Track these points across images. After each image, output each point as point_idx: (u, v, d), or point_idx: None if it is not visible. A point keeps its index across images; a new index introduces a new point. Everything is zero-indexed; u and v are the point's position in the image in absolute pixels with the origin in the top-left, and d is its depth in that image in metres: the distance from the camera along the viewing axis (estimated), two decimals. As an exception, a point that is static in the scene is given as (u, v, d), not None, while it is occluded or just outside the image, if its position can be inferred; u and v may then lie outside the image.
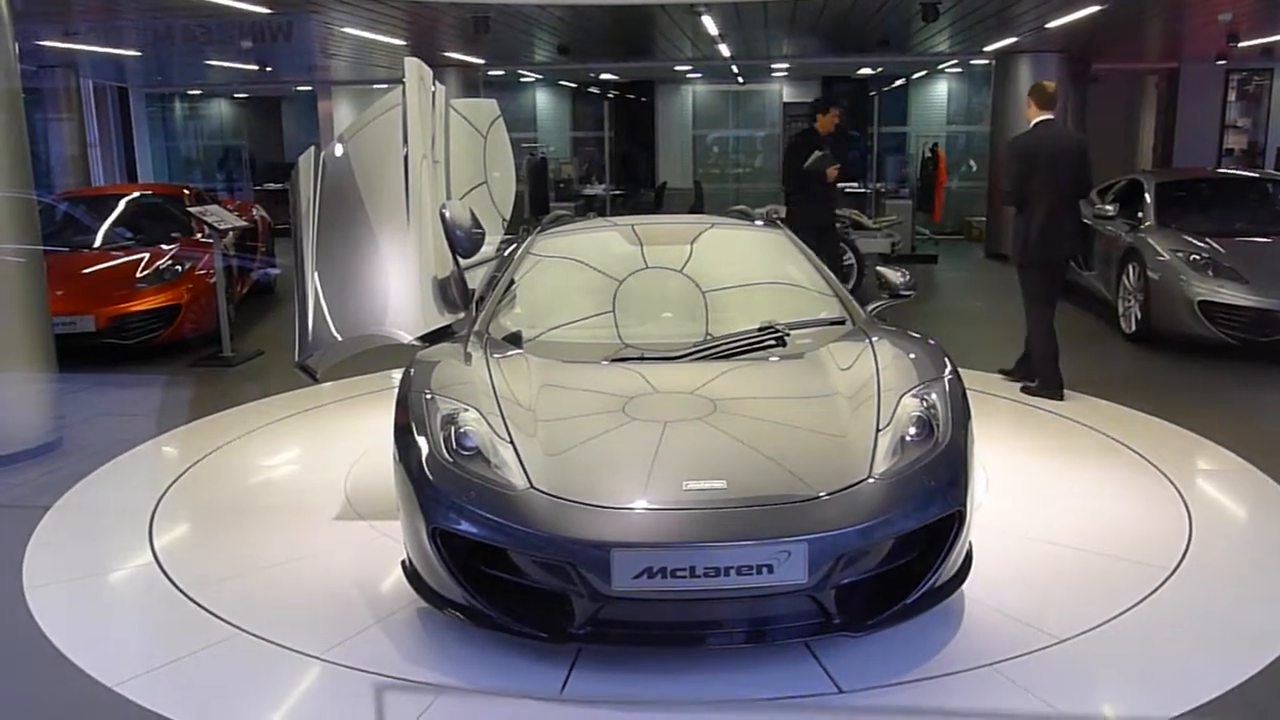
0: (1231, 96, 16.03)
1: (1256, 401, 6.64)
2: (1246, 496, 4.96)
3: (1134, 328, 8.13)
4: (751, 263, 5.27)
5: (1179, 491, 4.86)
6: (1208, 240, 7.90)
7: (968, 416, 3.75)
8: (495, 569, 3.39)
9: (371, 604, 3.82)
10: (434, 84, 5.31)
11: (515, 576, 3.37)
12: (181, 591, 3.98)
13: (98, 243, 9.00)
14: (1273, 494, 4.90)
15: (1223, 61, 14.93)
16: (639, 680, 3.30)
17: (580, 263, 5.17)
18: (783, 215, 7.85)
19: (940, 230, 15.24)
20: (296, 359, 4.60)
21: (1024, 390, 6.60)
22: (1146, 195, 8.70)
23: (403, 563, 3.67)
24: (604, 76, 18.89)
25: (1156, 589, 3.89)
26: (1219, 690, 3.23)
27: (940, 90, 18.56)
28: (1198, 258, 7.70)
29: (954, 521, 3.44)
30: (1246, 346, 7.37)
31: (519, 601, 3.36)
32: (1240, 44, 12.18)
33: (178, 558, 4.30)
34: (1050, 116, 6.50)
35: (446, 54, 13.26)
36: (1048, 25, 10.34)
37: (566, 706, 3.19)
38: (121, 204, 9.67)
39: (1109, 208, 8.81)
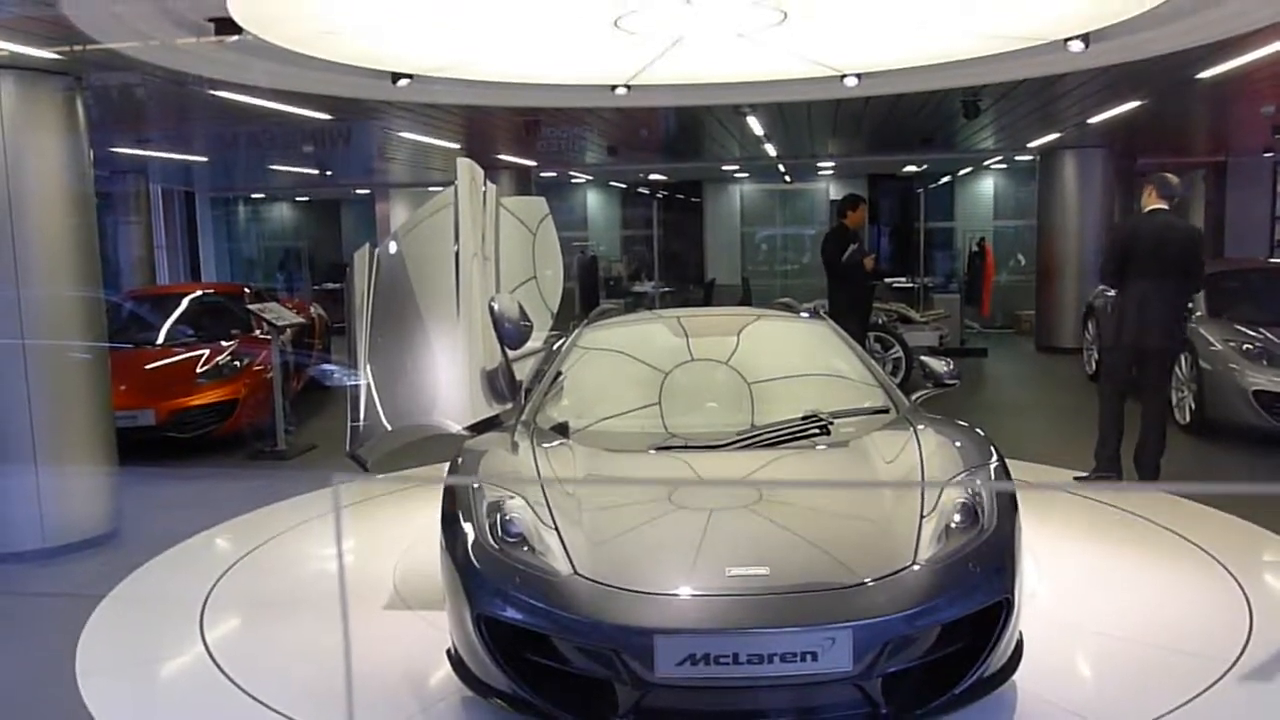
0: (1280, 188, 15.98)
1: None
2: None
3: (1189, 418, 8.01)
4: (796, 354, 5.31)
5: (1238, 583, 4.75)
6: (1261, 330, 7.82)
7: (1014, 504, 3.73)
8: (540, 656, 3.40)
9: (418, 693, 3.83)
10: (485, 183, 5.49)
11: (559, 664, 3.37)
12: (232, 681, 4.02)
13: (160, 339, 9.28)
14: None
15: (1269, 154, 14.91)
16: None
17: (627, 355, 5.26)
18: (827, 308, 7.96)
19: (989, 324, 15.20)
20: (348, 449, 4.69)
21: (1076, 479, 6.51)
22: (1196, 286, 8.65)
23: (448, 651, 3.69)
24: (653, 176, 19.28)
25: (1215, 682, 3.78)
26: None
27: (987, 186, 18.69)
28: (1250, 347, 7.62)
29: (1002, 609, 3.40)
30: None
31: (563, 689, 3.36)
32: (1286, 137, 12.19)
33: (229, 647, 4.35)
34: (1164, 206, 6.43)
35: (499, 156, 13.66)
36: (1090, 121, 10.44)
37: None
38: (184, 302, 9.98)
39: (1190, 304, 8.78)
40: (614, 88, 7.02)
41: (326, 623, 4.56)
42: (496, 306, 5.09)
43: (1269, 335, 7.72)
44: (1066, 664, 3.96)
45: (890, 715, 3.24)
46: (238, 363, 8.66)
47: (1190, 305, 8.47)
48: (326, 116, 9.11)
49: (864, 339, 9.05)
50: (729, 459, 4.21)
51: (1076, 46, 5.66)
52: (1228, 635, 4.19)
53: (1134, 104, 9.29)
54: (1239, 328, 7.92)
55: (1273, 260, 12.71)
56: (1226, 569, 4.94)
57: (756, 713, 3.30)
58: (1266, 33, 6.05)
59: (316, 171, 15.64)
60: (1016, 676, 3.55)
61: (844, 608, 3.21)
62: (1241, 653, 4.04)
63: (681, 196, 20.60)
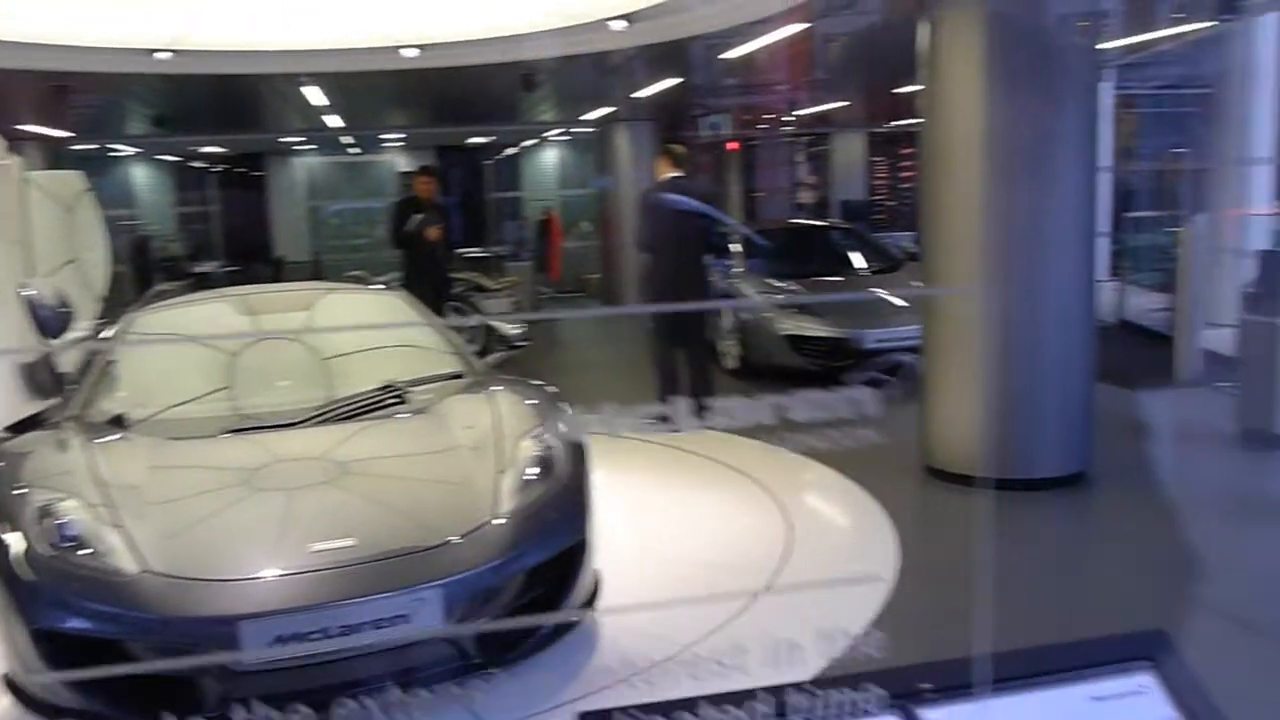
0: (801, 158, 18.12)
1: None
2: (832, 500, 5.62)
3: (734, 364, 8.95)
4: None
5: (779, 504, 5.42)
6: (790, 282, 8.88)
7: (584, 453, 4.00)
8: (113, 663, 3.17)
9: (-36, 728, 3.43)
10: (5, 155, 4.92)
11: (136, 669, 3.17)
12: None
13: None
14: (847, 491, 5.60)
15: (789, 127, 16.86)
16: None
17: (188, 338, 4.96)
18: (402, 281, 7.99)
19: (561, 289, 15.91)
20: None
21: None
22: (736, 245, 9.63)
23: (4, 676, 3.34)
24: (208, 150, 18.08)
25: (766, 588, 4.34)
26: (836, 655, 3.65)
27: (551, 157, 19.45)
28: (782, 298, 8.64)
29: (579, 551, 3.66)
30: (827, 372, 8.33)
31: (144, 695, 3.16)
32: (800, 113, 13.85)
33: None
34: (679, 174, 7.15)
35: (22, 126, 12.17)
36: (637, 96, 11.23)
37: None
38: None
39: (711, 259, 9.67)
40: (153, 52, 6.52)
41: None
42: (29, 293, 4.60)
43: (796, 287, 8.79)
44: (639, 591, 4.33)
45: (484, 663, 3.39)
46: None
47: (730, 263, 9.44)
48: None
49: (442, 310, 9.14)
50: (306, 436, 4.13)
51: (619, 25, 6.09)
52: (772, 549, 4.80)
53: (673, 80, 10.11)
54: (770, 281, 8.94)
55: (795, 221, 14.37)
56: (770, 492, 5.62)
57: (355, 682, 3.31)
58: (780, 18, 6.85)
59: None
60: (597, 608, 3.84)
61: (431, 568, 3.30)
62: (784, 562, 4.64)
63: (242, 170, 19.50)
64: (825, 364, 8.30)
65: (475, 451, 3.89)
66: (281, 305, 5.26)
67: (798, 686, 1.10)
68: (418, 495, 3.73)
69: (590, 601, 3.80)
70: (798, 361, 8.34)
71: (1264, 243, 9.29)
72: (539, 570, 3.56)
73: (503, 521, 3.52)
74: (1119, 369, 7.66)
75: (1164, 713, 1.13)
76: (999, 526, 5.25)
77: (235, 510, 3.60)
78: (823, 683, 1.13)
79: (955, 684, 1.11)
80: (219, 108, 12.29)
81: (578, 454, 3.94)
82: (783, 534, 4.98)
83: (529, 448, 3.87)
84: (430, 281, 8.72)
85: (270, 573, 3.24)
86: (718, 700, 1.06)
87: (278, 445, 4.05)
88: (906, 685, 1.10)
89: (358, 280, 6.01)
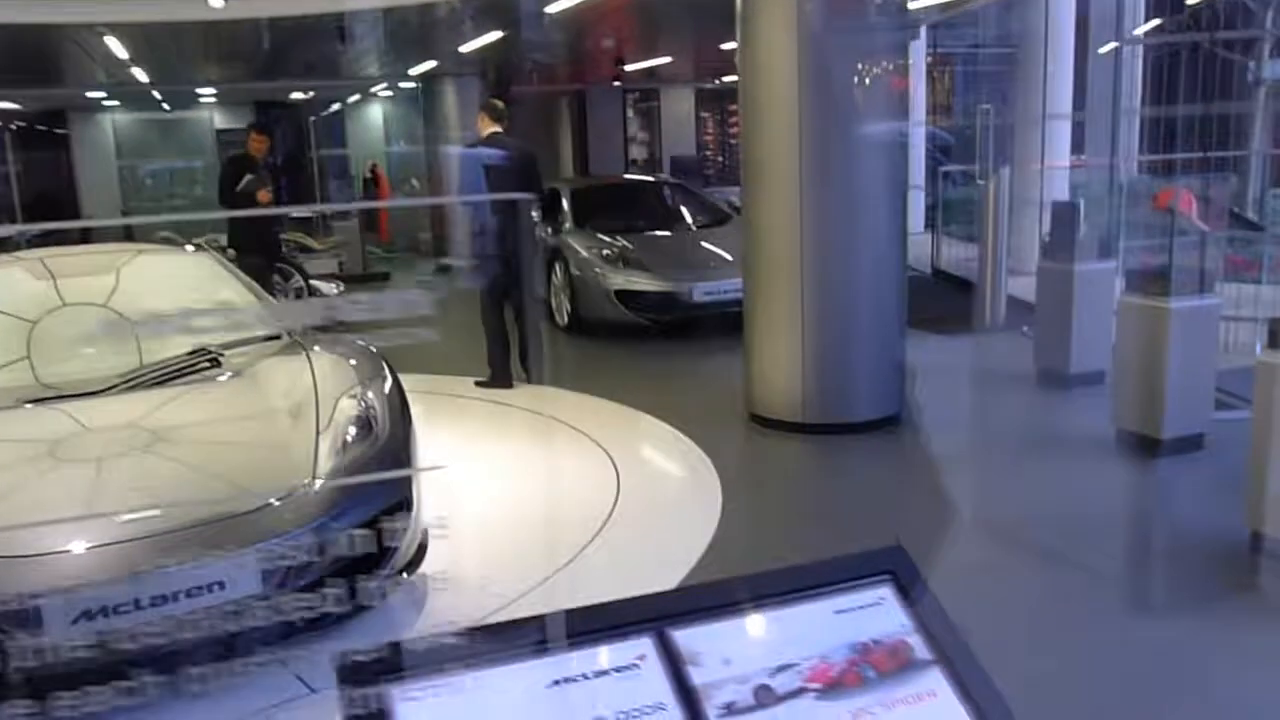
0: (631, 113, 18.20)
1: (666, 370, 7.69)
2: (660, 450, 5.76)
3: (566, 320, 8.99)
4: (183, 288, 5.10)
5: (609, 454, 5.52)
6: (618, 237, 8.96)
7: (406, 412, 3.98)
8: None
9: None
10: None
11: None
12: None
13: None
14: (675, 441, 5.75)
15: (618, 83, 16.89)
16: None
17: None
18: (223, 243, 7.73)
19: (391, 249, 15.60)
20: None
21: (477, 384, 7.05)
22: (564, 201, 9.64)
23: None
24: (2, 105, 16.86)
25: (594, 536, 4.44)
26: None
27: (376, 112, 18.94)
28: (610, 253, 8.71)
29: (402, 510, 3.65)
30: (657, 325, 8.48)
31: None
32: (627, 68, 13.88)
33: None
34: (499, 129, 7.06)
35: None
36: (462, 50, 11.05)
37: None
38: None
39: (534, 214, 9.65)
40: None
41: None
42: None
43: (625, 241, 8.87)
44: (472, 546, 4.36)
45: (307, 626, 3.35)
46: None
47: (561, 218, 9.45)
48: None
49: (272, 272, 8.85)
50: (118, 405, 3.98)
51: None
52: (602, 498, 4.89)
53: (497, 34, 9.99)
54: (601, 236, 9.00)
55: (625, 176, 14.46)
56: (601, 446, 5.72)
57: (172, 653, 3.23)
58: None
59: None
60: (429, 567, 3.85)
61: (245, 532, 3.24)
62: (612, 510, 4.75)
63: (42, 128, 18.29)
64: (655, 318, 8.44)
65: (293, 413, 3.82)
66: (84, 269, 5.00)
67: (540, 619, 1.16)
68: (233, 460, 3.65)
69: (417, 560, 3.80)
70: (628, 316, 8.45)
71: (1063, 194, 9.91)
72: (362, 529, 3.53)
73: (320, 483, 3.47)
74: (931, 316, 8.07)
75: (900, 621, 1.24)
76: (817, 468, 5.51)
77: (38, 484, 3.45)
78: (576, 612, 1.19)
79: (708, 605, 1.19)
80: (11, 60, 11.47)
81: (400, 412, 3.92)
82: (612, 485, 5.08)
83: (348, 407, 3.82)
84: (259, 243, 8.47)
85: (75, 546, 3.11)
86: (462, 633, 1.10)
87: (85, 415, 3.88)
88: (660, 609, 1.17)
89: (168, 241, 5.76)
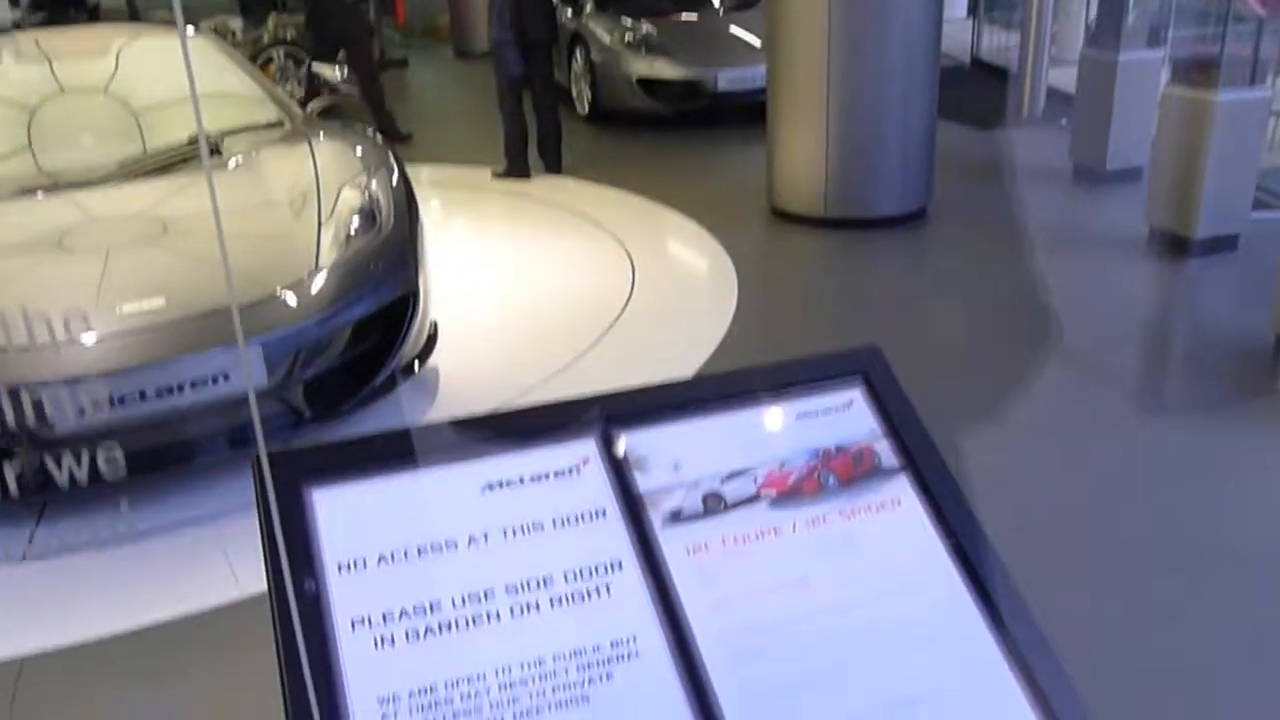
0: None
1: (688, 162, 7.47)
2: (678, 244, 5.66)
3: (587, 109, 8.71)
4: (183, 73, 4.92)
5: (626, 249, 5.43)
6: (642, 21, 8.54)
7: (412, 203, 3.88)
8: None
9: None
10: None
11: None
12: None
13: None
14: (695, 234, 5.63)
15: None
16: (113, 519, 3.19)
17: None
18: (233, 28, 7.47)
19: (409, 34, 15.06)
20: None
21: (494, 175, 6.89)
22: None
23: None
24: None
25: (610, 327, 4.43)
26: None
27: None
28: (633, 38, 8.32)
29: (409, 303, 3.61)
30: (680, 114, 8.19)
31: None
32: None
33: None
34: None
35: None
36: None
37: (31, 566, 3.03)
38: None
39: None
40: None
41: None
42: None
43: (649, 26, 8.46)
44: (484, 339, 4.36)
45: (313, 418, 3.38)
46: None
47: (583, 0, 9.00)
48: None
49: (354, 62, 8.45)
50: (122, 193, 3.91)
51: None
52: (617, 291, 4.85)
53: None
54: (624, 20, 8.58)
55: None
56: (616, 238, 5.62)
57: (180, 444, 3.28)
58: None
59: None
60: (439, 360, 3.85)
61: (250, 323, 3.22)
62: (627, 303, 4.71)
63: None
64: (678, 106, 8.15)
65: (294, 203, 3.73)
66: (78, 51, 4.83)
67: (476, 420, 1.10)
68: (235, 250, 3.58)
69: (426, 353, 3.79)
70: (651, 105, 8.16)
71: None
72: (367, 323, 3.51)
73: (324, 274, 3.42)
74: (966, 108, 7.73)
75: (868, 424, 1.17)
76: (838, 264, 5.39)
77: (40, 274, 3.42)
78: (514, 413, 1.13)
79: (659, 407, 1.13)
80: None
81: (405, 204, 3.83)
82: (628, 279, 5.01)
83: (351, 198, 3.73)
84: (335, 28, 8.12)
85: (78, 337, 3.10)
86: (392, 434, 1.05)
87: (91, 204, 3.84)
88: (606, 410, 1.11)
89: (169, 23, 5.53)
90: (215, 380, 3.14)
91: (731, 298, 4.77)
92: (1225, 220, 4.86)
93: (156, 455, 3.23)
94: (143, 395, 3.06)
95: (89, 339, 3.09)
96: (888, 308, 4.71)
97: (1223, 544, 2.86)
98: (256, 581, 2.71)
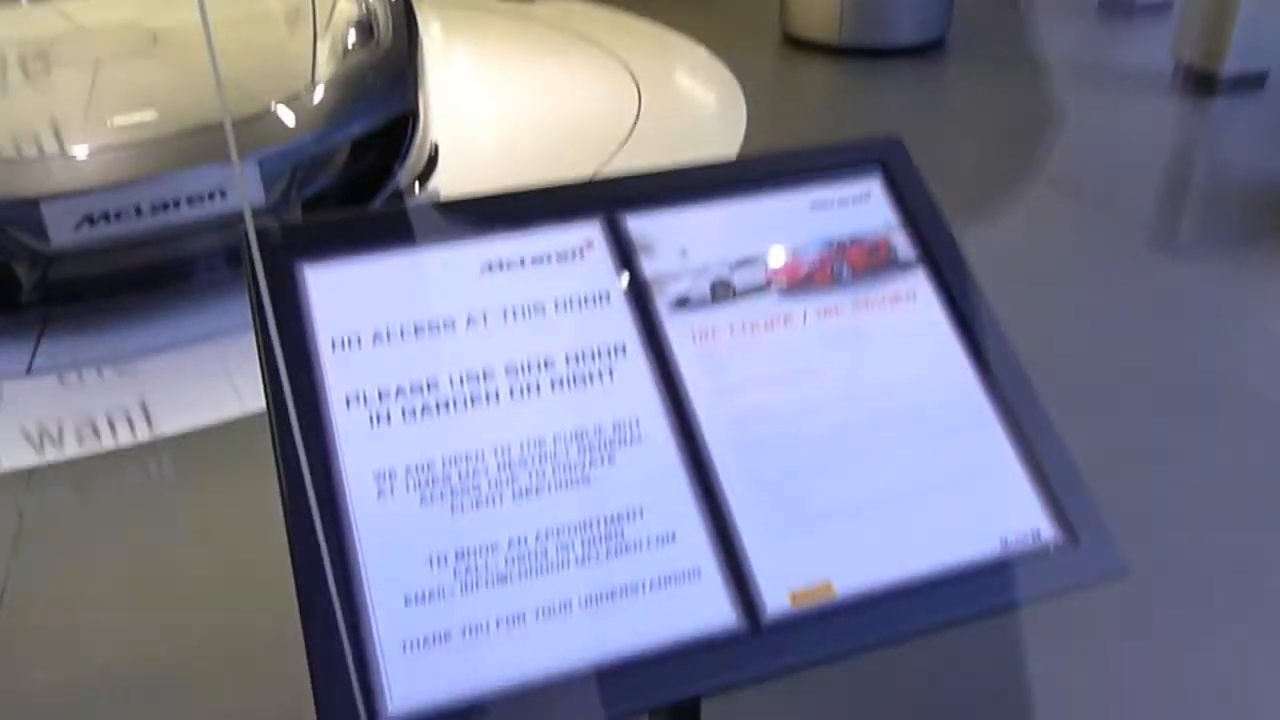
0: None
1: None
2: (685, 70, 5.48)
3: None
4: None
5: (633, 74, 5.26)
6: None
7: (412, 18, 3.73)
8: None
9: None
10: None
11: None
12: None
13: None
14: (704, 61, 5.45)
15: None
16: (115, 337, 3.17)
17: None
18: None
19: None
20: None
21: None
22: None
23: None
24: None
25: (616, 151, 4.32)
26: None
27: None
28: None
29: (408, 122, 3.51)
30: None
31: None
32: None
33: None
34: None
35: None
36: None
37: (35, 380, 3.03)
38: None
39: None
40: None
41: None
42: None
43: None
44: (486, 161, 4.27)
45: (313, 237, 3.33)
46: None
47: None
48: None
49: None
50: (107, 2, 3.77)
51: None
52: (622, 117, 4.72)
53: None
54: None
55: None
56: (624, 63, 5.43)
57: (179, 261, 3.24)
58: None
59: None
60: (439, 182, 3.77)
61: (245, 138, 3.13)
62: (633, 128, 4.59)
63: None
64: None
65: (288, 15, 3.59)
66: None
67: (476, 199, 1.05)
68: (227, 63, 3.46)
69: (427, 174, 3.70)
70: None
71: None
72: (366, 142, 3.42)
73: (321, 88, 3.31)
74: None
75: (885, 216, 1.12)
76: (851, 92, 5.23)
77: (29, 85, 3.31)
78: (515, 194, 1.08)
79: (668, 191, 1.08)
80: None
81: (404, 19, 3.67)
82: (634, 105, 4.87)
83: (347, 9, 3.59)
84: None
85: (69, 151, 3.03)
86: (386, 213, 1.00)
87: (75, 14, 3.69)
88: (613, 193, 1.06)
89: None
90: (212, 197, 3.07)
91: (740, 125, 4.64)
92: (1255, 56, 4.68)
93: (155, 272, 3.20)
94: (138, 211, 2.99)
95: (80, 152, 3.02)
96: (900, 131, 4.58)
97: (1226, 383, 2.85)
98: (260, 399, 2.71)
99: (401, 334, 0.96)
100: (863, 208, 1.11)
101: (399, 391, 0.93)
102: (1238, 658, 2.01)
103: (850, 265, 1.07)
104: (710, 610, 0.88)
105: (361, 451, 0.90)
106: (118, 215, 2.97)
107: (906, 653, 1.98)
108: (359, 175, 3.46)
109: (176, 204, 3.03)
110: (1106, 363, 2.94)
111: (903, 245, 1.10)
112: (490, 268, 1.00)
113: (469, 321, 0.97)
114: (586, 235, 1.04)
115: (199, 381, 2.98)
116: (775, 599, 0.90)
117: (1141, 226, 3.80)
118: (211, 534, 2.42)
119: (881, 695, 1.94)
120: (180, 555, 2.38)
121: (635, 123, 4.67)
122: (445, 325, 0.97)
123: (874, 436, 0.99)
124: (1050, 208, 3.88)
